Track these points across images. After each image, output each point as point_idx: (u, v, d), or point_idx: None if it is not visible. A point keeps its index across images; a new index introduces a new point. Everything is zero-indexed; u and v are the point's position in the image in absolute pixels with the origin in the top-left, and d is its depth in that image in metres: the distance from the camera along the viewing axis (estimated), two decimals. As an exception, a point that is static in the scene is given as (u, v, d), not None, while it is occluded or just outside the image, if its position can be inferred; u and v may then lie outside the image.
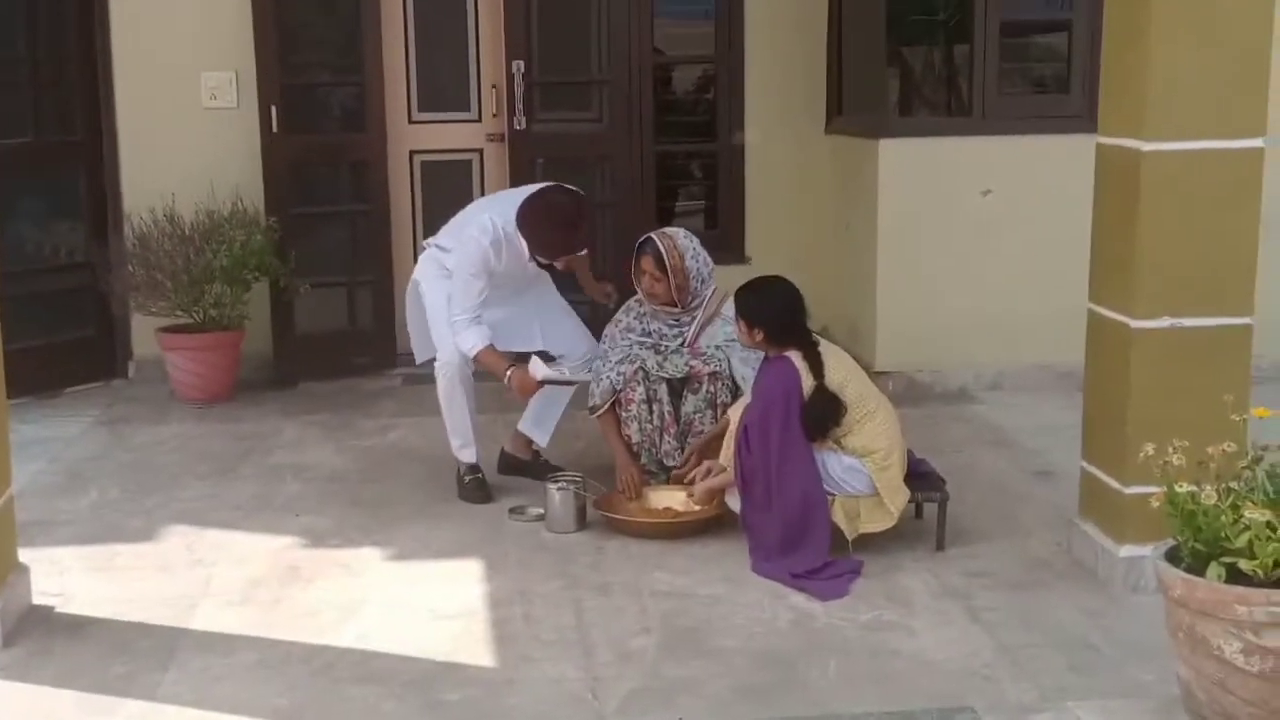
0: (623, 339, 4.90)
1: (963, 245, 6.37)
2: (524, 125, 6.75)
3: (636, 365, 4.73)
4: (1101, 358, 4.24)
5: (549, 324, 5.04)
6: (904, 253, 6.37)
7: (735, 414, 4.51)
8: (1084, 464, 4.38)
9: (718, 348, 4.81)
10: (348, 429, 6.01)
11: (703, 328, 4.81)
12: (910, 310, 6.38)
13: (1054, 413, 5.91)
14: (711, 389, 4.77)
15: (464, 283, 4.59)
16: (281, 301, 6.60)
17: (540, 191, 4.70)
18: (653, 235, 4.73)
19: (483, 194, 6.94)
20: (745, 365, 4.70)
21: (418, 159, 7.08)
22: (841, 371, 4.32)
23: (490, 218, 4.68)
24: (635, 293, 4.95)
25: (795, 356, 4.28)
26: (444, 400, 4.81)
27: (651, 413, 4.82)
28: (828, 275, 6.84)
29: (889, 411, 4.41)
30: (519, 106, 6.71)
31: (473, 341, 4.65)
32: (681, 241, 4.75)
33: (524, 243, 4.65)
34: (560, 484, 4.65)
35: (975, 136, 6.31)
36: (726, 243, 7.12)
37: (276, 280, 6.49)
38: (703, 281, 4.79)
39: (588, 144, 6.95)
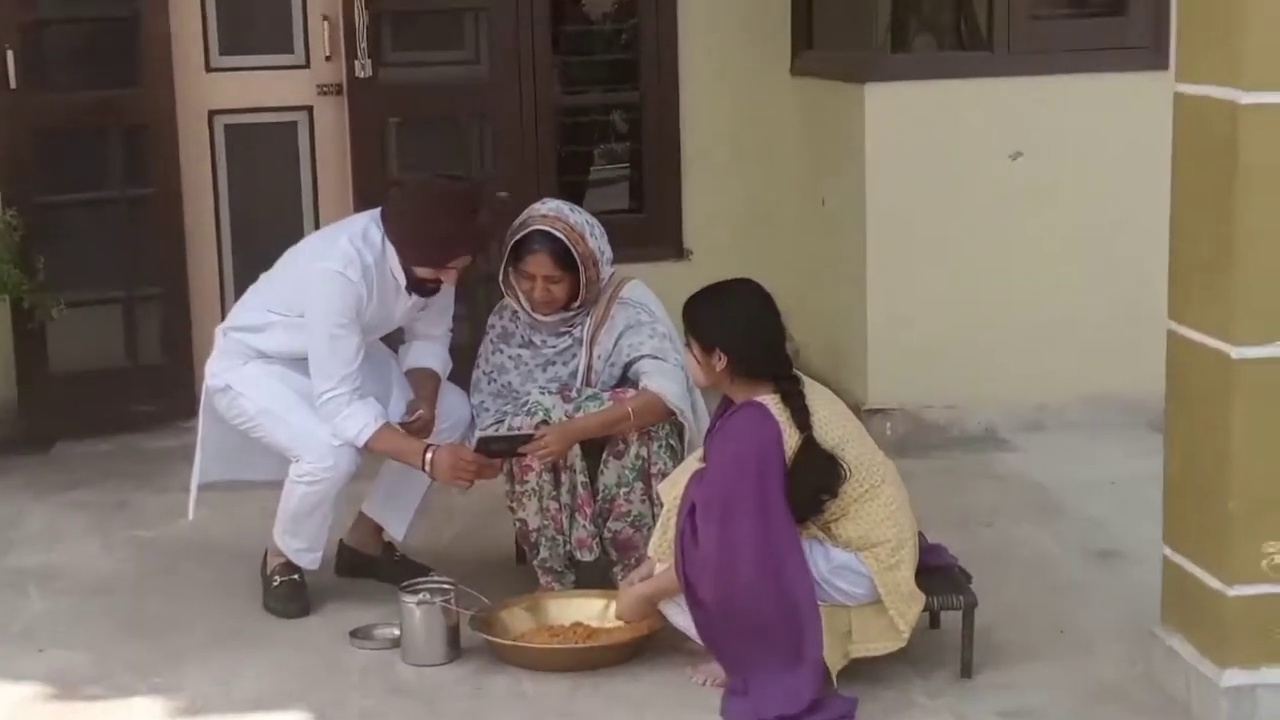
0: (504, 378, 4.82)
1: (984, 228, 6.30)
2: (369, 72, 6.67)
3: (538, 418, 4.60)
4: (1188, 400, 4.09)
5: (404, 385, 4.94)
6: (903, 239, 6.29)
7: (673, 489, 4.27)
8: (1167, 550, 4.24)
9: (639, 362, 4.69)
10: (122, 512, 5.83)
11: (599, 324, 4.76)
12: (914, 321, 6.30)
13: (1119, 462, 5.87)
14: (642, 453, 4.64)
15: (329, 344, 4.54)
16: (26, 329, 6.45)
17: (419, 179, 4.77)
18: (536, 225, 4.66)
19: (314, 167, 6.95)
20: (671, 378, 4.63)
21: (220, 121, 6.96)
22: (837, 423, 4.15)
23: (348, 241, 4.59)
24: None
25: (771, 400, 4.07)
26: (297, 514, 4.71)
27: (558, 486, 4.67)
28: (798, 273, 6.79)
29: (898, 486, 4.25)
30: (362, 46, 6.63)
31: (362, 422, 4.55)
32: (574, 218, 4.71)
33: (394, 261, 4.59)
34: (421, 595, 4.45)
35: (998, 78, 6.26)
36: (657, 231, 7.14)
37: (19, 299, 6.29)
38: (609, 260, 4.78)
39: (459, 96, 6.92)
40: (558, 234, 4.64)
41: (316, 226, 6.65)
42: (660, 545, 4.27)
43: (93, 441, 6.56)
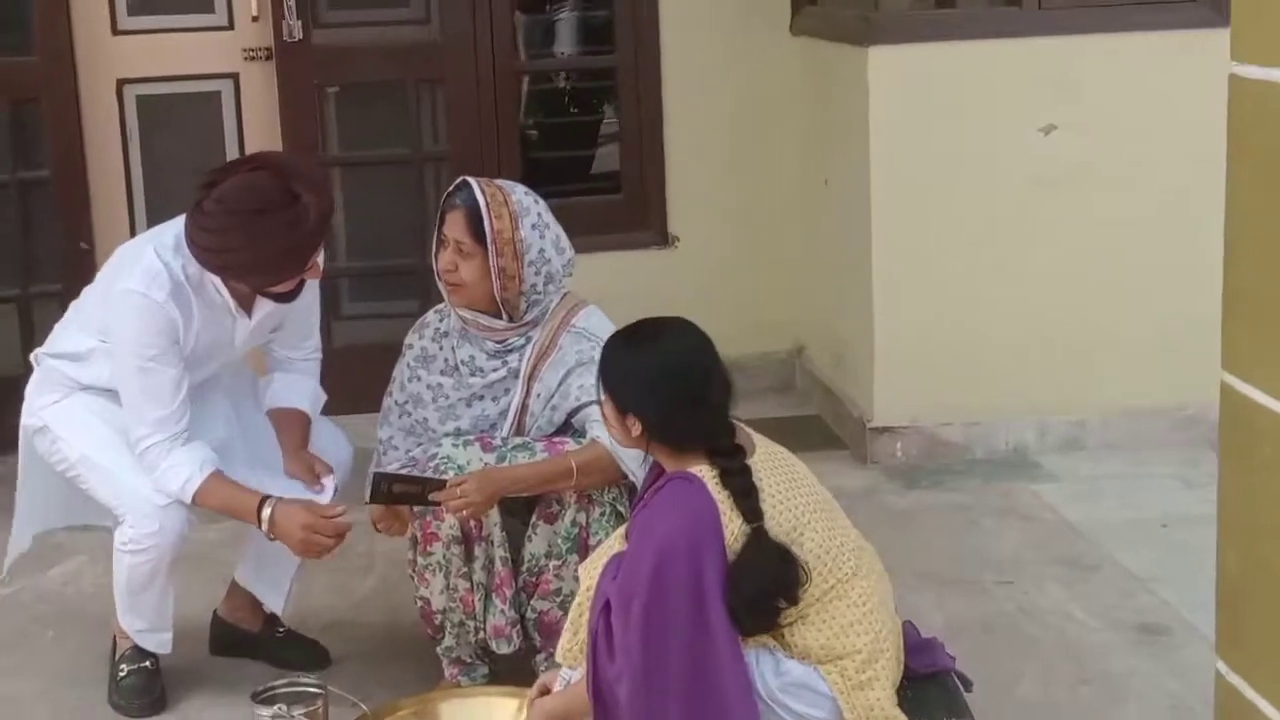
0: (420, 412, 4.18)
1: (1010, 215, 5.89)
2: (300, 34, 6.38)
3: (448, 476, 3.96)
4: (1247, 475, 3.29)
5: (264, 429, 4.34)
6: (914, 228, 5.87)
7: (592, 570, 3.60)
8: (1221, 666, 3.42)
9: (587, 408, 4.04)
10: None
11: (541, 356, 4.11)
12: (928, 322, 5.89)
13: (1171, 494, 5.46)
14: (580, 519, 4.00)
15: (141, 379, 3.98)
16: None
17: (210, 200, 3.93)
18: (469, 179, 4.11)
19: (241, 144, 6.63)
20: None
21: (131, 92, 6.60)
22: (793, 501, 3.45)
23: (154, 254, 3.97)
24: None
25: (708, 475, 3.37)
26: (131, 587, 4.17)
27: (470, 560, 4.01)
28: (798, 264, 6.62)
29: (876, 576, 3.55)
30: (290, 5, 6.35)
31: (186, 473, 3.97)
32: (517, 196, 4.11)
33: (212, 276, 3.96)
34: (276, 709, 3.86)
35: (1026, 38, 5.84)
36: (637, 215, 6.80)
37: None
38: (549, 276, 4.11)
39: (406, 61, 6.57)
40: (480, 194, 4.01)
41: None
42: (571, 649, 3.57)
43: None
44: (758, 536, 3.32)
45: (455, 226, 4.02)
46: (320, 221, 3.86)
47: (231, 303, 3.99)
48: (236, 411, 4.29)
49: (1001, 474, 5.70)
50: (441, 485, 3.85)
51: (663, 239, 6.67)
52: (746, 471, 3.36)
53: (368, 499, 3.93)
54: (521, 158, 6.63)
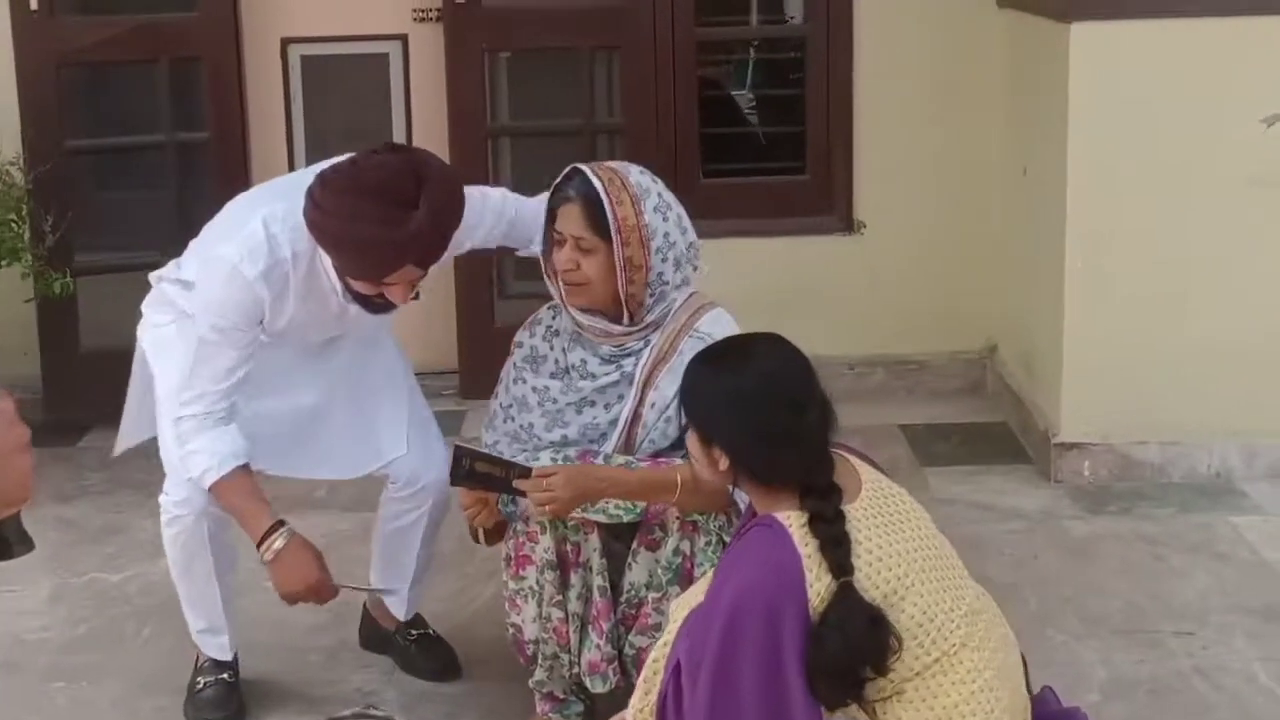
0: (526, 416, 3.87)
1: (1224, 213, 5.50)
2: None
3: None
4: None
5: (357, 414, 4.15)
6: (1114, 223, 5.52)
7: (677, 615, 3.28)
8: None
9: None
10: (101, 542, 5.22)
11: (660, 361, 3.80)
12: (1125, 326, 5.55)
13: None
14: (684, 547, 3.68)
15: (203, 347, 3.81)
16: (50, 304, 6.02)
17: (349, 159, 3.74)
18: (581, 166, 3.80)
19: (408, 109, 6.51)
20: None
21: (295, 52, 6.52)
22: (895, 560, 3.06)
23: (263, 221, 3.77)
24: None
25: (795, 523, 3.01)
26: (176, 569, 4.06)
27: (566, 587, 3.72)
28: (993, 259, 6.30)
29: (992, 648, 3.12)
30: None
31: (206, 463, 3.76)
32: (634, 178, 3.81)
33: (324, 257, 3.76)
34: None
35: (1253, 16, 5.40)
36: (822, 198, 6.50)
37: (39, 270, 5.85)
38: (676, 261, 3.81)
39: (580, 26, 6.34)
40: (596, 180, 3.72)
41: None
42: (642, 710, 3.25)
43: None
44: (845, 594, 2.97)
45: (571, 221, 3.73)
46: (418, 237, 3.59)
47: (339, 285, 3.77)
48: (352, 367, 4.14)
49: (1199, 503, 5.26)
50: (528, 473, 3.59)
51: (848, 224, 6.38)
52: (840, 518, 3.00)
53: (449, 478, 3.69)
54: (698, 133, 6.41)
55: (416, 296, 3.73)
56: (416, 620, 4.29)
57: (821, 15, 6.34)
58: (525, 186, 6.21)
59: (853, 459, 3.15)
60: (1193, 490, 5.34)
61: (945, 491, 5.25)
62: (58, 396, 6.10)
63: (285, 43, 6.39)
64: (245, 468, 3.73)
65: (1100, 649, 4.15)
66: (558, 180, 3.76)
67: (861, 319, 6.26)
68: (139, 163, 6.35)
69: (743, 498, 3.41)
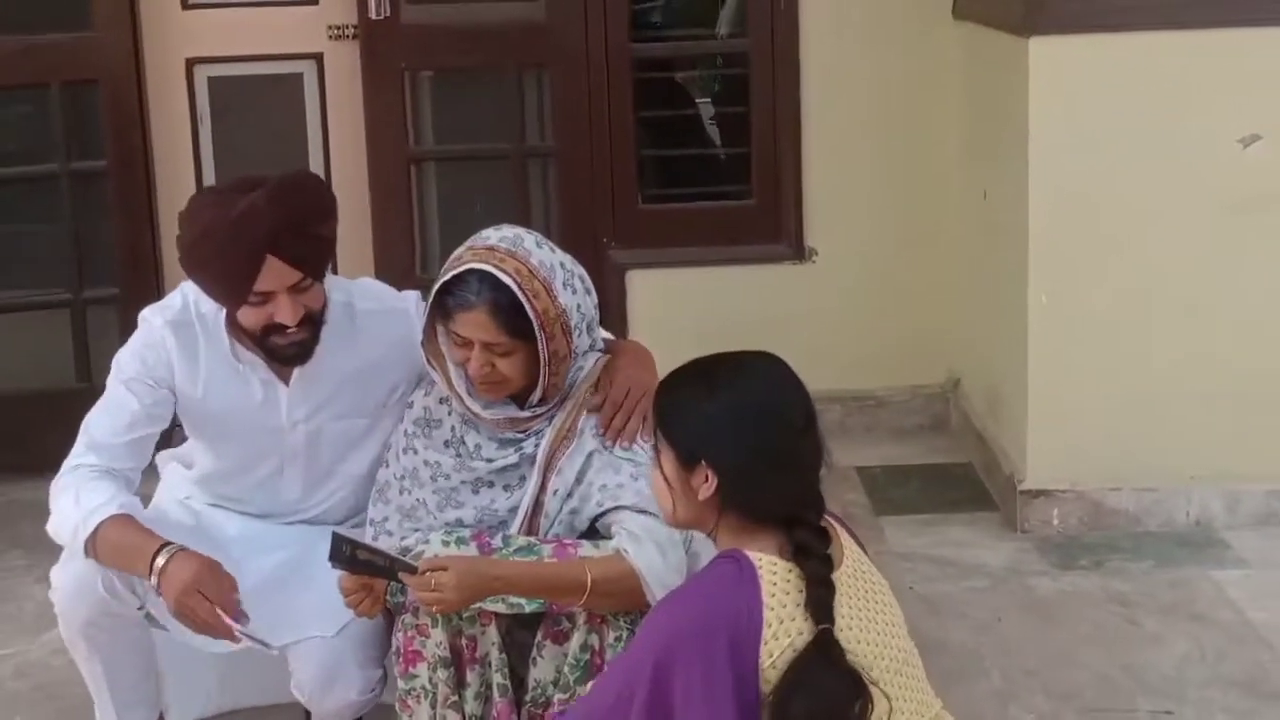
0: (419, 492, 3.64)
1: (1198, 241, 5.36)
2: (388, 11, 6.07)
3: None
4: None
5: None
6: (1080, 252, 5.37)
7: None
8: None
9: (614, 514, 3.48)
10: None
11: (562, 441, 3.55)
12: (1095, 363, 5.38)
13: None
14: (593, 641, 3.44)
15: (106, 395, 3.81)
16: None
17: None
18: (471, 264, 3.49)
19: (325, 131, 6.43)
20: (663, 547, 3.42)
21: (202, 73, 6.37)
22: (866, 650, 2.87)
23: (183, 285, 3.91)
24: None
25: (765, 565, 2.85)
26: (73, 650, 3.88)
27: (462, 687, 3.47)
28: (952, 287, 6.20)
29: None
30: None
31: (99, 500, 3.62)
32: (537, 256, 3.53)
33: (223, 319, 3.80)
34: None
35: (1225, 29, 5.25)
36: (770, 224, 6.32)
37: None
38: (588, 329, 3.59)
39: (505, 44, 6.22)
40: (505, 277, 3.39)
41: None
42: None
43: (23, 485, 5.75)
44: (825, 643, 2.74)
45: (479, 329, 3.44)
46: (252, 213, 3.51)
47: (245, 354, 3.68)
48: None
49: (1178, 555, 5.02)
50: (413, 569, 3.34)
51: (798, 252, 6.20)
52: (827, 562, 2.82)
53: (329, 559, 3.41)
54: (635, 154, 6.24)
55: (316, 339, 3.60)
56: None
57: (765, 29, 6.15)
58: (451, 215, 6.11)
59: (837, 525, 2.98)
60: (1171, 541, 5.13)
61: (903, 544, 5.03)
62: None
63: (191, 63, 6.23)
64: (127, 516, 3.58)
65: (1075, 724, 3.91)
66: (446, 276, 3.47)
67: (814, 352, 5.85)
68: (31, 194, 6.25)
69: (705, 546, 3.21)
